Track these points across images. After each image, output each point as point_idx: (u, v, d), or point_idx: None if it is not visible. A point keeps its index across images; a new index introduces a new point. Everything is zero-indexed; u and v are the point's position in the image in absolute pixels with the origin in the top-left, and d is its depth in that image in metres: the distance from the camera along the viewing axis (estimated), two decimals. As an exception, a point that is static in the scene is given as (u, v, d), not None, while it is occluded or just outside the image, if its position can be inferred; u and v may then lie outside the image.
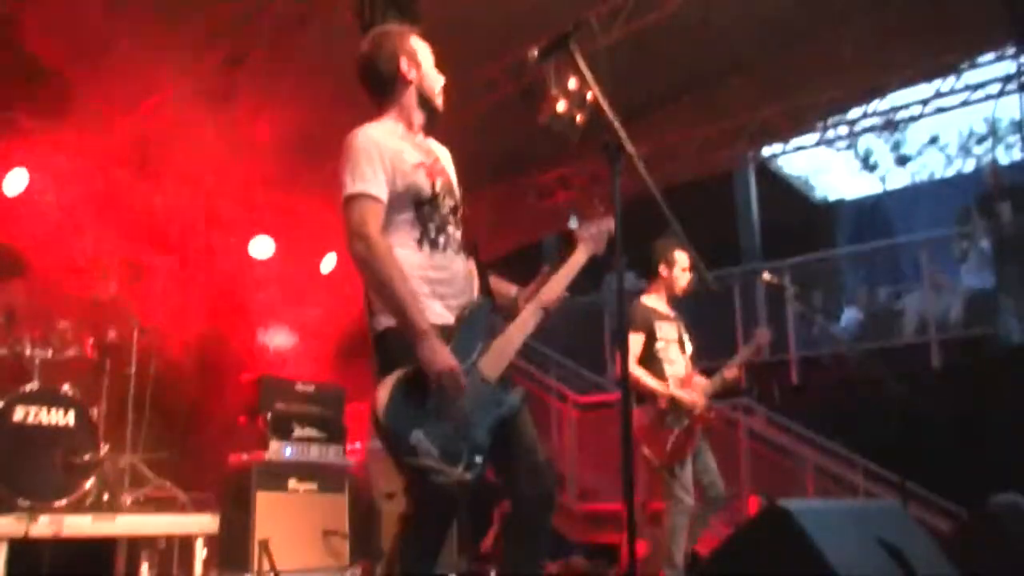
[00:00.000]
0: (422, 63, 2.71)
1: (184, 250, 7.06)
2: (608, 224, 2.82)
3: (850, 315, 10.24)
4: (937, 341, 8.72)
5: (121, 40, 5.96)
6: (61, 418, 4.74)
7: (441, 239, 2.58)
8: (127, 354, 5.35)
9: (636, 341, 4.54)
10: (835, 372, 9.09)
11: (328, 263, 8.11)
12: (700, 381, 4.62)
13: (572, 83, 6.22)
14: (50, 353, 4.91)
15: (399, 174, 2.54)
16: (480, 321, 2.54)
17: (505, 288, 2.77)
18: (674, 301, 4.81)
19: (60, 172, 6.73)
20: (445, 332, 2.44)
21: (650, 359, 4.58)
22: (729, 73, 7.73)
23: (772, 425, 8.69)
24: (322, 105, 6.79)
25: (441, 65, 2.81)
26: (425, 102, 2.70)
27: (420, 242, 2.55)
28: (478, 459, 2.37)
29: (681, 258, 4.68)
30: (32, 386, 4.77)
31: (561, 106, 6.31)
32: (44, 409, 4.69)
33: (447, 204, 2.63)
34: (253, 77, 6.35)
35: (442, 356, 2.33)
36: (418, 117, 2.71)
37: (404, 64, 2.67)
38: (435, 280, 2.53)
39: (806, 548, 2.27)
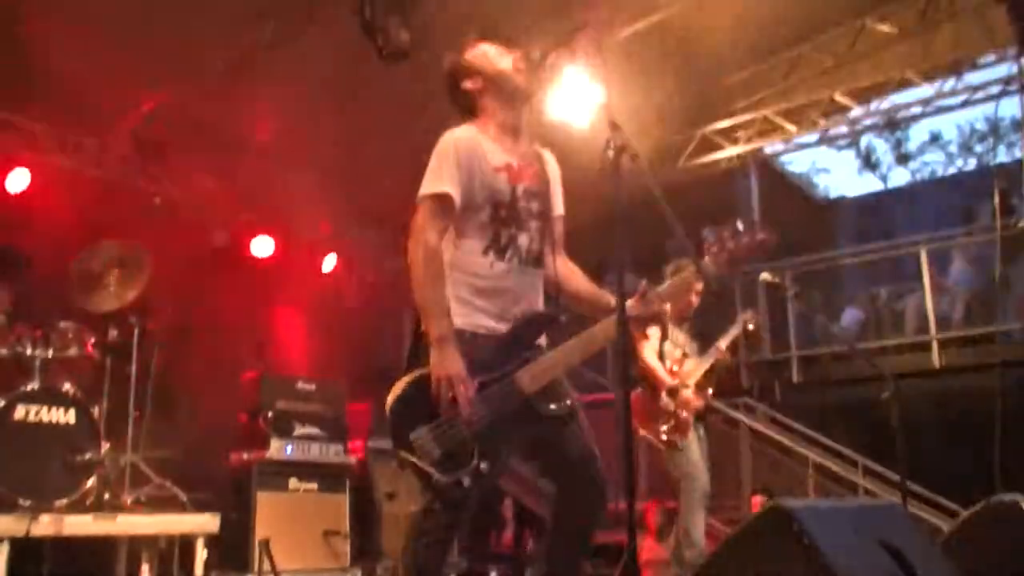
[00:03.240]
0: (484, 67, 2.72)
1: (185, 249, 7.05)
2: (689, 280, 2.73)
3: (851, 314, 10.24)
4: (938, 341, 8.72)
5: (122, 41, 5.96)
6: (62, 417, 4.74)
7: (510, 250, 2.57)
8: (128, 353, 5.35)
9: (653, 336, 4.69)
10: (836, 372, 9.10)
11: (329, 263, 8.12)
12: (689, 367, 4.73)
13: (574, 83, 6.21)
14: (51, 352, 4.91)
15: (479, 174, 2.56)
16: (531, 333, 2.53)
17: (605, 300, 2.63)
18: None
19: (60, 172, 6.74)
20: (488, 340, 2.48)
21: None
22: (730, 72, 7.74)
23: (773, 424, 8.70)
24: (323, 105, 6.80)
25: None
26: (505, 96, 2.70)
27: (487, 250, 2.56)
28: (484, 466, 2.36)
29: (696, 283, 4.54)
30: (33, 385, 4.77)
31: (563, 106, 6.29)
32: (45, 408, 4.68)
33: (528, 210, 2.62)
34: (254, 77, 6.35)
35: (447, 364, 2.36)
36: (510, 116, 2.71)
37: (467, 83, 2.72)
38: (485, 290, 2.54)
39: (806, 548, 2.27)
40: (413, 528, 2.53)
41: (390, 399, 2.43)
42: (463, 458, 2.36)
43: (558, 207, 2.79)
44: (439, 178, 2.52)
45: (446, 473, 2.35)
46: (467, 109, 2.74)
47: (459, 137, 2.61)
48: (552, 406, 2.49)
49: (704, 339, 4.93)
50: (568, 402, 2.53)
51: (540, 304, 2.62)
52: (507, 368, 2.45)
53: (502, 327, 2.52)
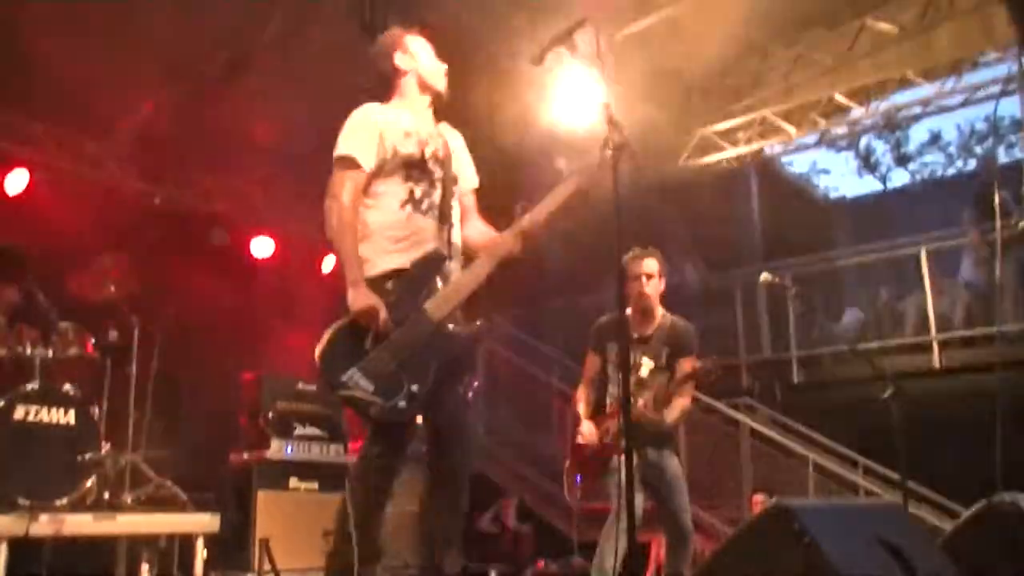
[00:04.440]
0: (416, 55, 3.00)
1: (185, 249, 7.06)
2: (601, 157, 2.81)
3: (851, 315, 10.24)
4: (938, 341, 8.72)
5: (123, 41, 5.96)
6: (62, 417, 4.74)
7: (425, 202, 2.86)
8: (128, 353, 5.35)
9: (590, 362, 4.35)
10: (836, 372, 9.10)
11: (328, 263, 8.12)
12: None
13: (575, 82, 6.21)
14: (51, 353, 4.92)
15: (391, 139, 2.84)
16: (431, 270, 2.79)
17: (494, 239, 2.96)
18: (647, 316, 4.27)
19: (60, 173, 6.74)
20: (397, 275, 2.76)
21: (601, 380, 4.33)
22: (730, 72, 7.74)
23: (773, 424, 8.69)
24: (322, 105, 6.80)
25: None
26: (425, 87, 2.99)
27: (405, 204, 2.84)
28: (416, 388, 2.62)
29: (637, 268, 4.20)
30: (33, 385, 4.77)
31: (564, 106, 6.30)
32: (45, 408, 4.68)
33: (438, 172, 2.91)
34: (253, 78, 6.35)
35: (362, 300, 2.64)
36: (422, 101, 3.00)
37: (398, 58, 2.99)
38: (402, 238, 2.81)
39: (807, 547, 2.27)
40: (360, 457, 2.83)
41: (318, 350, 2.65)
42: (394, 385, 2.62)
43: (470, 179, 3.10)
44: (347, 142, 2.82)
45: (385, 401, 2.60)
46: (386, 80, 3.00)
47: (372, 107, 2.92)
48: (458, 328, 2.80)
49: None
50: (475, 326, 2.86)
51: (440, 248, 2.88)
52: (417, 301, 2.74)
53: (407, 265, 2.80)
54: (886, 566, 2.39)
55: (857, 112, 8.48)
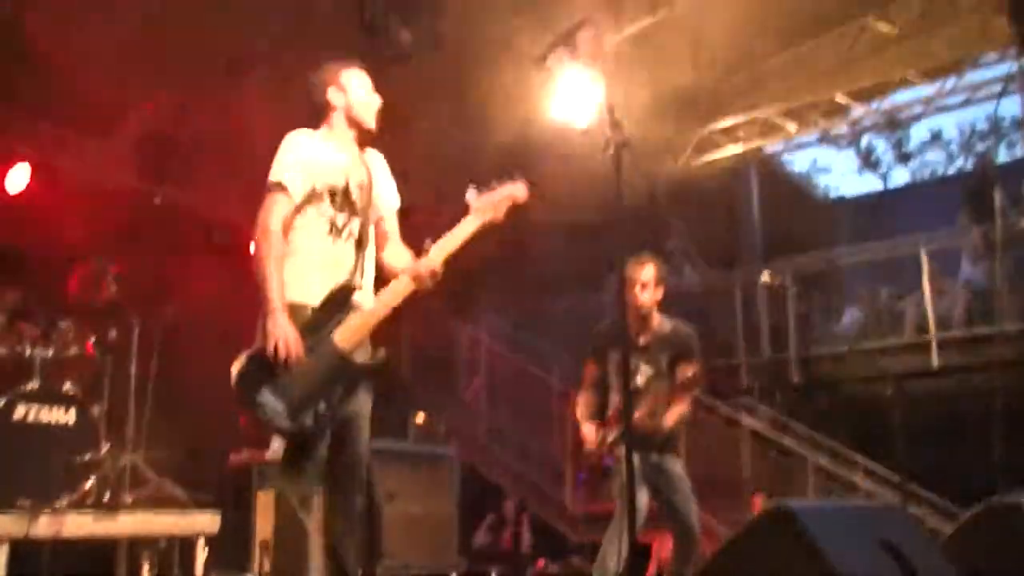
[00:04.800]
0: (350, 90, 3.14)
1: (185, 249, 7.05)
2: (512, 188, 3.17)
3: (851, 315, 10.24)
4: (937, 341, 8.72)
5: (123, 41, 5.96)
6: (62, 417, 4.75)
7: (345, 232, 3.00)
8: (128, 353, 5.34)
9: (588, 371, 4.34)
10: (836, 372, 9.09)
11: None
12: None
13: (575, 83, 6.21)
14: (51, 352, 4.92)
15: (318, 169, 2.99)
16: (340, 301, 2.94)
17: (408, 268, 3.11)
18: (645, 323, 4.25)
19: (61, 172, 6.74)
20: (311, 310, 2.90)
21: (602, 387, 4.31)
22: (730, 72, 7.74)
23: (773, 424, 8.69)
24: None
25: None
26: (353, 122, 3.14)
27: (327, 231, 2.98)
28: (323, 408, 2.83)
29: (635, 274, 4.17)
30: (33, 385, 4.77)
31: (564, 106, 6.29)
32: (45, 408, 4.69)
33: (360, 202, 3.05)
34: (254, 78, 6.36)
35: (279, 329, 2.77)
36: (348, 134, 3.15)
37: (330, 93, 3.13)
38: (322, 265, 2.95)
39: (808, 548, 2.27)
40: (280, 471, 3.07)
41: (234, 373, 2.86)
42: (303, 406, 2.82)
43: (392, 202, 3.22)
44: (279, 170, 2.95)
45: (293, 421, 2.81)
46: (319, 115, 3.16)
47: (302, 136, 3.06)
48: (362, 357, 2.96)
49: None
50: (379, 352, 3.00)
51: (355, 278, 3.02)
52: (328, 329, 2.90)
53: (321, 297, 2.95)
54: (886, 567, 2.40)
55: (857, 111, 8.48)
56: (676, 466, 4.20)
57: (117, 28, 5.84)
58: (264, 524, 5.29)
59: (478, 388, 9.75)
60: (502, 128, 7.21)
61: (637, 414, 4.00)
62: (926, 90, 8.05)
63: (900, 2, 6.87)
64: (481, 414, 9.46)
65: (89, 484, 4.70)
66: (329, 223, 2.98)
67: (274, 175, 2.94)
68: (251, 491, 5.35)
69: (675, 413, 4.13)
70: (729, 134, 8.54)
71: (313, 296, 2.91)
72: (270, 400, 2.82)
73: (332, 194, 3.00)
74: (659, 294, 4.25)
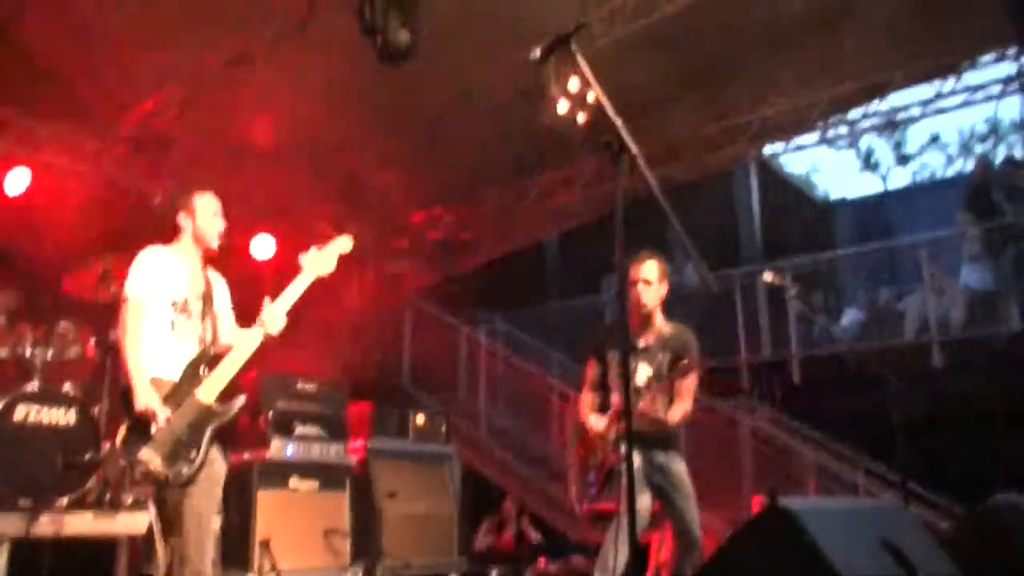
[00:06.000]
0: (199, 214, 3.81)
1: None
2: (339, 243, 3.90)
3: (851, 315, 10.24)
4: (938, 341, 8.72)
5: (122, 41, 5.96)
6: (62, 417, 4.75)
7: (187, 330, 3.67)
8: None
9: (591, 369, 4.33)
10: (836, 372, 9.09)
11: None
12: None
13: (573, 84, 6.21)
14: (51, 353, 4.92)
15: (165, 280, 3.67)
16: (195, 367, 3.61)
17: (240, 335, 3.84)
18: (648, 323, 4.23)
19: (61, 172, 6.74)
20: (172, 385, 3.54)
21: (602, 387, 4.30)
22: (730, 72, 7.73)
23: (773, 424, 8.69)
24: (322, 105, 6.80)
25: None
26: (198, 241, 3.82)
27: (172, 326, 3.64)
28: (194, 455, 3.47)
29: (636, 272, 4.18)
30: (33, 386, 4.78)
31: (563, 107, 6.29)
32: (45, 408, 4.69)
33: (197, 307, 3.73)
34: (254, 77, 6.35)
35: (143, 401, 3.39)
36: (195, 251, 3.83)
37: (180, 216, 3.81)
38: (172, 354, 3.61)
39: (808, 548, 2.27)
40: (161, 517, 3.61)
41: (118, 441, 3.42)
42: (178, 455, 3.42)
43: (228, 314, 3.93)
44: (133, 284, 3.62)
45: (170, 469, 3.39)
46: (172, 229, 3.80)
47: (155, 253, 3.73)
48: (222, 406, 3.60)
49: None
50: (236, 400, 3.64)
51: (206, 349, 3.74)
52: (189, 390, 3.54)
53: (177, 374, 3.62)
54: (886, 566, 2.40)
55: (857, 112, 8.47)
56: (679, 466, 4.19)
57: (117, 28, 5.84)
58: (264, 524, 5.30)
59: (477, 388, 9.75)
60: (502, 127, 7.22)
61: (642, 403, 4.01)
62: (925, 91, 8.04)
63: (900, 2, 6.86)
64: (481, 414, 9.46)
65: (89, 483, 4.71)
66: (171, 324, 3.63)
67: (128, 289, 3.61)
68: (251, 491, 5.35)
69: (679, 410, 4.11)
70: (729, 134, 8.53)
71: (169, 371, 3.56)
72: (151, 455, 3.36)
73: (174, 299, 3.67)
74: (662, 291, 4.24)
